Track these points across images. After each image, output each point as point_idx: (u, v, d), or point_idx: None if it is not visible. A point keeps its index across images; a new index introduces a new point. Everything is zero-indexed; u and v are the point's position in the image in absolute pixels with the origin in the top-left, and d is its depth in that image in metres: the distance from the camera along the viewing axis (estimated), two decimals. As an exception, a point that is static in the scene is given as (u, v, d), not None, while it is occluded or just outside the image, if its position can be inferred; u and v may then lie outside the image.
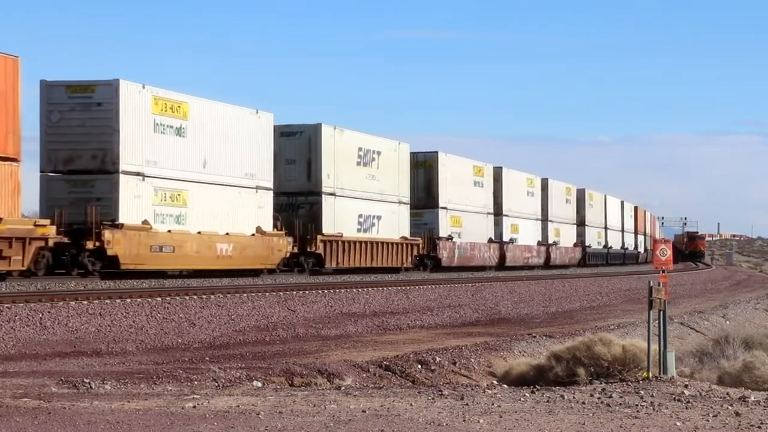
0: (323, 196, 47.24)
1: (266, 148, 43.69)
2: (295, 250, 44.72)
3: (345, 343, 25.43)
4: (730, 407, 14.09)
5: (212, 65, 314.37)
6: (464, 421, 12.73)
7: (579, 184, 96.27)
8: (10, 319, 23.75)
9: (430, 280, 48.25)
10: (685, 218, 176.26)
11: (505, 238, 69.96)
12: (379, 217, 52.38)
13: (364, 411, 13.34)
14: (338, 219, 48.21)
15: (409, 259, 54.94)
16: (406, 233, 55.02)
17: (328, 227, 47.24)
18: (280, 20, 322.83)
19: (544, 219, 79.61)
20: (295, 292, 34.44)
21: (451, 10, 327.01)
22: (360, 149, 50.79)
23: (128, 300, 28.06)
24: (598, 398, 14.86)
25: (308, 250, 45.74)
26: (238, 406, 13.68)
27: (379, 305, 35.23)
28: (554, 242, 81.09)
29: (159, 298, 29.01)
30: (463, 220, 62.94)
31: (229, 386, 16.74)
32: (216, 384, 17.10)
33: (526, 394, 15.30)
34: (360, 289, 38.04)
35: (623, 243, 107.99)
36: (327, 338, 26.51)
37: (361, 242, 50.08)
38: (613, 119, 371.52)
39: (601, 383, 18.01)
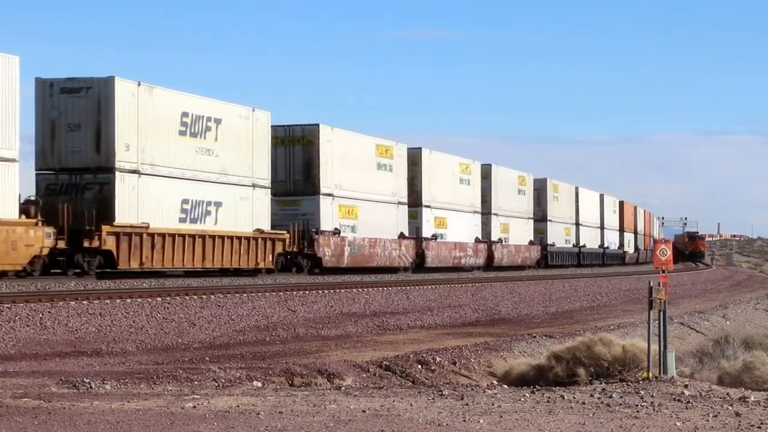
0: (118, 173, 35.98)
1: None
2: (60, 245, 33.62)
3: (345, 343, 25.43)
4: (730, 407, 14.09)
5: (211, 65, 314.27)
6: (464, 421, 12.73)
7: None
8: (10, 319, 23.75)
9: (431, 280, 48.23)
10: (685, 218, 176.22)
11: (426, 234, 58.39)
12: (218, 204, 41.01)
13: (364, 411, 13.34)
14: (146, 205, 37.09)
15: (270, 257, 43.26)
16: (266, 225, 43.42)
17: (128, 215, 36.28)
18: (281, 20, 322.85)
19: (486, 212, 68.31)
20: (295, 292, 34.45)
21: (451, 10, 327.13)
22: (186, 115, 39.28)
23: (128, 300, 28.06)
24: (598, 398, 14.86)
25: (87, 245, 34.67)
26: (238, 406, 13.68)
27: (379, 305, 35.24)
28: (500, 239, 69.81)
29: (159, 298, 29.01)
30: (361, 211, 51.07)
31: (229, 386, 16.74)
32: (216, 384, 17.10)
33: (526, 394, 15.30)
34: (360, 289, 38.05)
35: (603, 241, 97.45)
36: (327, 338, 26.51)
37: (184, 236, 38.64)
38: (612, 119, 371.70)
39: (601, 383, 18.01)
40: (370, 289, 38.87)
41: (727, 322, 39.40)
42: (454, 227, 62.24)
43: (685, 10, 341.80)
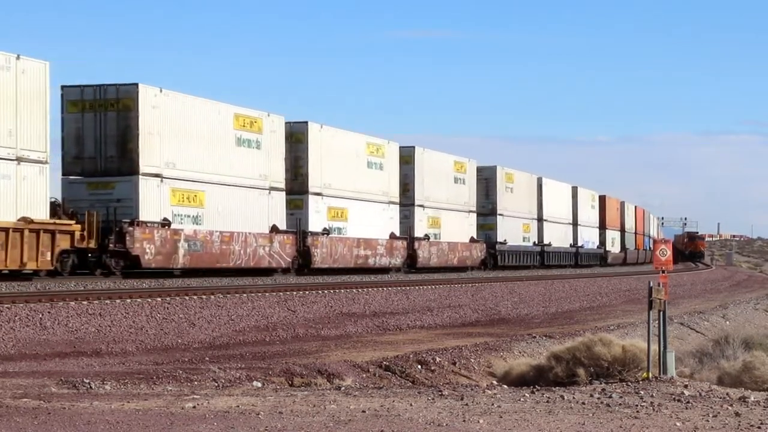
0: None
1: None
2: None
3: (345, 343, 25.43)
4: (729, 407, 14.09)
5: (211, 65, 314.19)
6: (464, 421, 12.74)
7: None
8: (10, 319, 23.75)
9: (431, 280, 48.23)
10: (685, 218, 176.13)
11: (315, 228, 46.85)
12: None
13: (363, 411, 13.35)
14: None
15: (48, 255, 32.48)
16: (42, 212, 32.44)
17: None
18: (280, 20, 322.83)
19: (408, 203, 56.69)
20: (295, 293, 34.44)
21: (451, 10, 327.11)
22: None
23: (128, 300, 28.06)
24: (598, 398, 14.86)
25: None
26: (238, 406, 13.68)
27: (379, 305, 35.24)
28: (426, 236, 58.22)
29: (159, 298, 29.01)
30: (210, 197, 40.49)
31: (229, 386, 16.74)
32: (216, 384, 17.10)
33: (526, 395, 15.30)
34: (360, 289, 38.05)
35: (576, 239, 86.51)
36: (327, 338, 26.51)
37: None
38: (612, 119, 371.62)
39: (601, 383, 18.01)
40: (370, 289, 38.87)
41: (727, 323, 39.41)
42: (358, 220, 50.53)
43: (685, 10, 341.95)
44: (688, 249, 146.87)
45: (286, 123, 45.53)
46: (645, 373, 18.77)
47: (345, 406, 13.83)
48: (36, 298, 26.64)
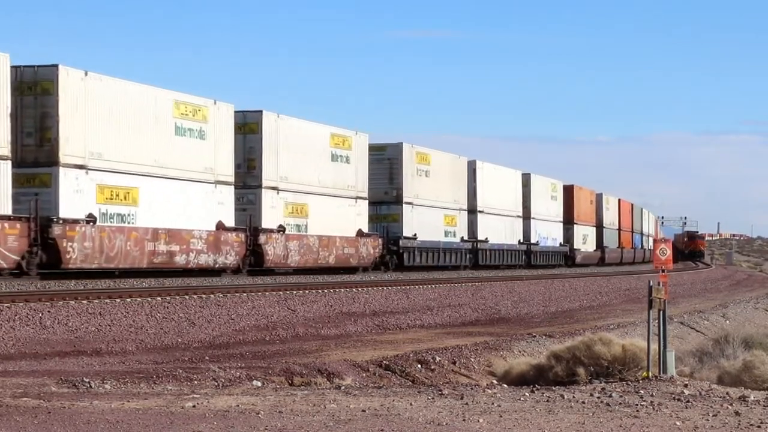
0: None
1: None
2: None
3: (345, 342, 25.43)
4: (729, 407, 14.09)
5: (209, 64, 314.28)
6: (464, 420, 12.74)
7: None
8: (10, 318, 23.75)
9: (431, 279, 48.25)
10: (685, 218, 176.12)
11: (68, 214, 33.96)
12: None
13: (363, 410, 13.35)
14: None
15: None
16: None
17: None
18: (280, 20, 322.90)
19: (254, 185, 43.37)
20: (295, 292, 34.45)
21: (451, 10, 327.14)
22: None
23: (128, 300, 28.07)
24: (598, 398, 14.86)
25: None
26: (238, 405, 13.68)
27: (379, 305, 35.24)
28: (281, 227, 44.32)
29: (159, 298, 29.01)
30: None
31: (229, 386, 16.75)
32: (216, 383, 17.10)
33: (526, 394, 15.30)
34: (360, 289, 38.05)
35: (529, 235, 74.43)
36: (327, 338, 26.51)
37: None
38: (612, 119, 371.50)
39: (600, 383, 18.01)
40: (369, 288, 38.88)
41: (727, 322, 39.41)
42: (161, 205, 37.93)
43: (685, 10, 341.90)
44: (688, 248, 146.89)
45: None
46: (645, 373, 18.77)
47: (345, 405, 13.83)
48: (36, 297, 26.64)
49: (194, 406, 13.55)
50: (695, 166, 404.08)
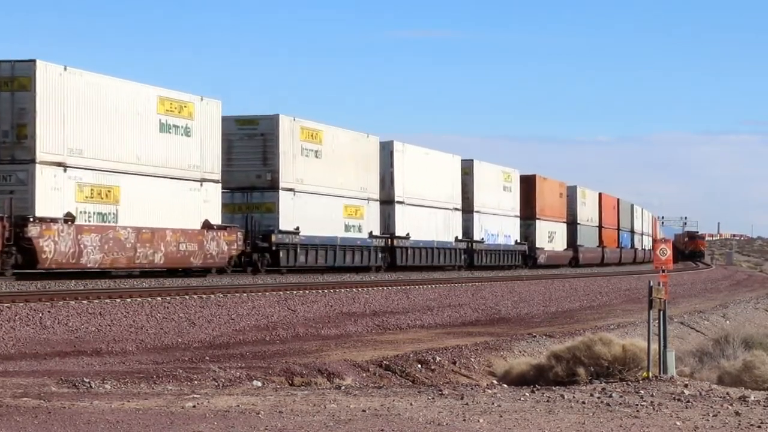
0: None
1: None
2: None
3: (345, 342, 25.44)
4: (730, 407, 14.09)
5: (211, 64, 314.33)
6: (464, 420, 12.74)
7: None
8: (10, 318, 23.76)
9: (431, 279, 48.26)
10: (685, 218, 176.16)
11: None
12: None
13: (364, 410, 13.35)
14: None
15: None
16: None
17: None
18: (280, 20, 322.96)
19: (22, 161, 33.09)
20: (295, 292, 34.45)
21: (452, 10, 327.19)
22: None
23: (128, 300, 28.07)
24: (598, 398, 14.86)
25: None
26: (238, 405, 13.68)
27: (379, 305, 35.25)
28: (69, 216, 33.78)
29: (159, 298, 29.01)
30: None
31: (229, 386, 16.75)
32: (216, 383, 17.10)
33: (526, 394, 15.30)
34: (360, 289, 38.06)
35: (470, 232, 63.91)
36: (327, 338, 26.52)
37: None
38: (612, 119, 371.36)
39: (601, 383, 18.02)
40: (370, 288, 38.89)
41: (727, 322, 39.42)
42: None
43: (685, 10, 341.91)
44: (688, 248, 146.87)
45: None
46: (645, 373, 18.78)
47: (345, 405, 13.83)
48: (36, 297, 26.65)
49: (194, 406, 13.55)
50: (695, 166, 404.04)
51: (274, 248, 44.34)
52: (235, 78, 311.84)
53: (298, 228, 45.82)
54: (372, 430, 11.95)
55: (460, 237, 62.36)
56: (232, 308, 29.50)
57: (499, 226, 68.81)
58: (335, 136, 49.77)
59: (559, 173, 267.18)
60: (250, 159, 45.24)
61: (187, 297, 29.98)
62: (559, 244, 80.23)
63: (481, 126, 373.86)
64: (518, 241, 71.97)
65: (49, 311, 25.02)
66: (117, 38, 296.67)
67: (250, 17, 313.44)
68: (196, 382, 17.16)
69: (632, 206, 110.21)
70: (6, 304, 24.95)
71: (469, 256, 63.84)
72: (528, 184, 73.74)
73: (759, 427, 12.55)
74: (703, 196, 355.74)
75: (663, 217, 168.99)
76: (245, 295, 32.03)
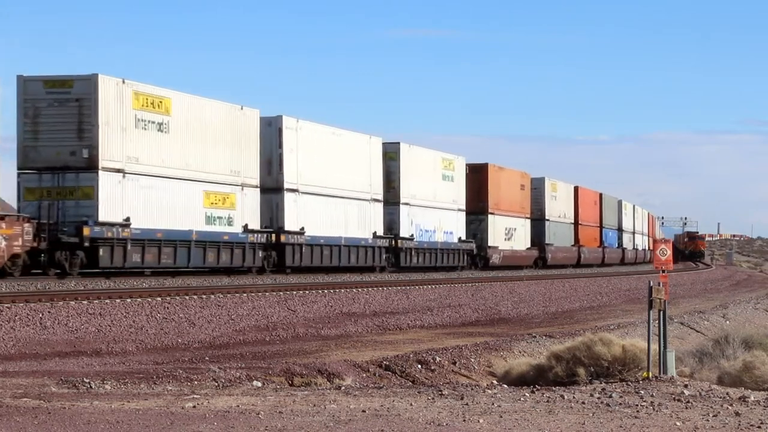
0: None
1: None
2: None
3: (345, 343, 25.45)
4: (730, 407, 14.09)
5: (207, 63, 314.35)
6: (464, 420, 12.74)
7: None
8: (10, 319, 23.76)
9: (431, 279, 48.26)
10: (685, 218, 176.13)
11: None
12: None
13: (364, 411, 13.34)
14: None
15: None
16: None
17: None
18: (279, 19, 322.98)
19: None
20: (295, 292, 34.46)
21: (452, 10, 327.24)
22: None
23: (128, 300, 28.08)
24: (598, 398, 14.85)
25: None
26: (238, 405, 13.68)
27: (379, 305, 35.26)
28: None
29: (159, 298, 29.02)
30: None
31: (229, 386, 16.75)
32: (216, 384, 17.10)
33: (526, 394, 15.30)
34: (360, 289, 38.06)
35: (394, 227, 54.64)
36: (327, 338, 26.53)
37: None
38: (612, 119, 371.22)
39: (601, 383, 18.01)
40: (370, 288, 38.89)
41: (727, 322, 39.39)
42: None
43: (684, 9, 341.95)
44: (688, 249, 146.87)
45: None
46: (645, 373, 18.78)
47: (345, 405, 13.83)
48: (36, 297, 26.66)
49: (194, 407, 13.55)
50: (695, 165, 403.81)
51: (88, 245, 35.41)
52: (233, 77, 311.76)
53: (128, 219, 36.88)
54: (372, 431, 11.95)
55: (380, 233, 52.70)
56: (232, 308, 29.50)
57: (436, 221, 59.03)
58: (191, 107, 40.22)
59: (559, 173, 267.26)
60: (62, 131, 36.18)
61: (187, 297, 29.99)
62: (521, 242, 70.67)
63: (481, 126, 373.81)
64: (462, 238, 62.21)
65: (49, 311, 25.02)
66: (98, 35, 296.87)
67: (250, 17, 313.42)
68: (196, 382, 17.16)
69: (620, 202, 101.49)
70: (6, 305, 24.96)
71: (394, 256, 54.36)
72: (479, 174, 64.66)
73: (759, 427, 12.55)
74: (703, 196, 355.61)
75: (663, 217, 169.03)
76: (245, 295, 32.04)
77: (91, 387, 15.75)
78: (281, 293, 33.80)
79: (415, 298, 38.80)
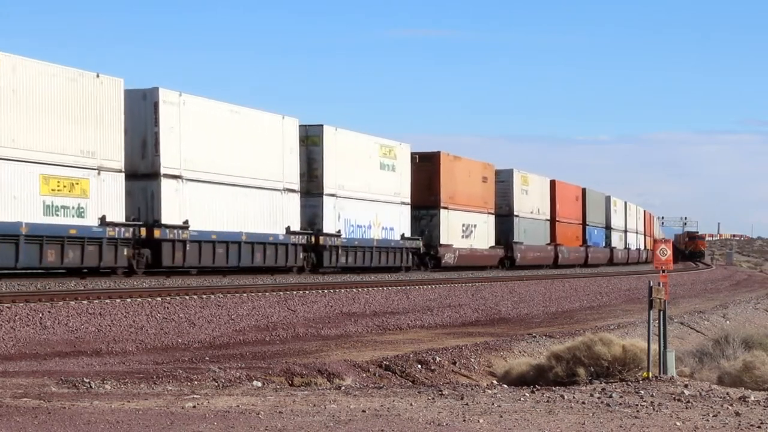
0: None
1: None
2: None
3: (345, 343, 25.45)
4: (730, 407, 14.09)
5: (210, 63, 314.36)
6: (464, 421, 12.74)
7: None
8: (10, 319, 23.76)
9: (431, 279, 48.26)
10: (685, 218, 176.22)
11: None
12: None
13: (364, 411, 13.35)
14: None
15: None
16: None
17: None
18: (280, 19, 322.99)
19: None
20: (295, 292, 34.46)
21: (452, 9, 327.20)
22: None
23: (128, 300, 28.08)
24: (598, 398, 14.86)
25: None
26: (238, 405, 13.68)
27: (379, 305, 35.26)
28: None
29: (159, 298, 29.02)
30: None
31: (229, 386, 16.75)
32: (216, 384, 17.10)
33: (526, 394, 15.30)
34: (360, 289, 38.06)
35: (317, 222, 46.85)
36: (327, 338, 26.53)
37: None
38: (612, 118, 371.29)
39: (601, 383, 18.01)
40: (370, 288, 38.89)
41: (727, 322, 39.39)
42: None
43: (684, 9, 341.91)
44: (689, 248, 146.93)
45: None
46: (645, 373, 18.78)
47: (345, 405, 13.83)
48: (36, 297, 26.65)
49: (194, 407, 13.55)
50: (695, 165, 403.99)
51: None
52: (232, 77, 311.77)
53: None
54: (372, 431, 11.95)
55: (296, 228, 45.06)
56: (232, 308, 29.50)
57: (372, 216, 51.51)
58: (22, 72, 32.50)
59: (560, 173, 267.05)
60: None
61: (187, 297, 29.99)
62: (482, 240, 63.62)
63: (481, 126, 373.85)
64: (407, 235, 54.71)
65: (49, 311, 25.02)
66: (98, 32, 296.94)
67: (250, 17, 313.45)
68: (196, 382, 17.17)
69: (608, 198, 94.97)
70: (6, 304, 24.96)
71: (315, 255, 46.78)
72: (430, 164, 57.64)
73: (759, 427, 12.55)
74: (703, 196, 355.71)
75: (663, 217, 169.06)
76: (245, 295, 32.04)
77: (91, 387, 15.75)
78: (281, 293, 33.81)
79: (415, 298, 38.80)
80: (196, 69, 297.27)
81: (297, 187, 45.49)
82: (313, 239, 46.17)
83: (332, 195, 48.19)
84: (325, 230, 47.28)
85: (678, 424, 12.68)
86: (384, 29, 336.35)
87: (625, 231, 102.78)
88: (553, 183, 77.52)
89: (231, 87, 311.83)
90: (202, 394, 14.93)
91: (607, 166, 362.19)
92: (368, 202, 51.18)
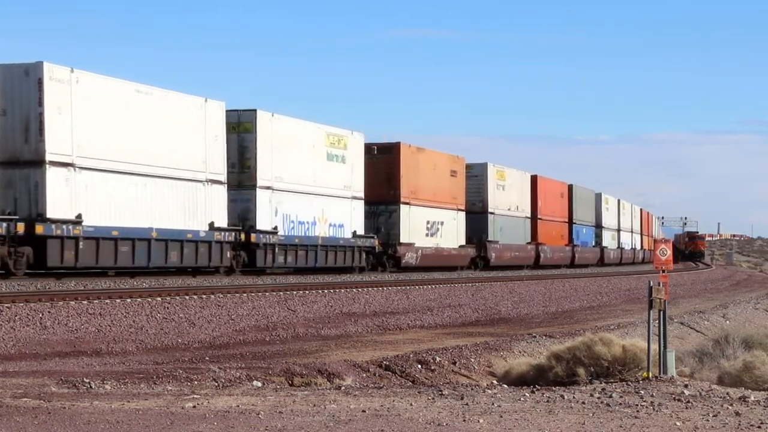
0: None
1: None
2: None
3: (345, 343, 25.45)
4: (730, 407, 14.09)
5: (205, 62, 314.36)
6: (464, 421, 12.74)
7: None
8: (10, 319, 23.76)
9: (431, 279, 48.26)
10: (685, 218, 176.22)
11: None
12: None
13: (364, 411, 13.35)
14: None
15: None
16: None
17: None
18: (280, 19, 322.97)
19: None
20: (295, 292, 34.46)
21: (452, 9, 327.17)
22: None
23: (128, 300, 28.08)
24: (598, 398, 14.86)
25: None
26: (238, 406, 13.68)
27: (379, 305, 35.25)
28: None
29: (159, 298, 29.02)
30: None
31: (229, 386, 16.75)
32: (216, 384, 17.10)
33: (526, 394, 15.30)
34: (360, 289, 38.06)
35: (249, 217, 42.13)
36: (327, 338, 26.53)
37: None
38: (612, 118, 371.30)
39: (601, 383, 18.01)
40: (370, 288, 38.89)
41: (727, 322, 39.39)
42: None
43: (684, 9, 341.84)
44: (689, 248, 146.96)
45: None
46: (645, 373, 18.78)
47: (345, 405, 13.83)
48: (36, 297, 26.65)
49: (194, 407, 13.55)
50: (695, 165, 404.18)
51: None
52: (231, 76, 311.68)
53: None
54: (372, 431, 11.95)
55: (223, 224, 40.28)
56: (232, 308, 29.50)
57: (317, 212, 46.47)
58: None
59: (559, 173, 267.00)
60: None
61: (187, 297, 29.99)
62: (451, 238, 58.95)
63: (481, 126, 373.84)
64: (359, 233, 49.65)
65: (49, 311, 25.02)
66: (101, 35, 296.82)
67: (250, 17, 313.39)
68: (196, 382, 17.16)
69: (598, 195, 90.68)
70: (6, 305, 24.96)
71: (247, 254, 42.01)
72: (389, 156, 52.96)
73: (759, 427, 12.54)
74: (703, 196, 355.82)
75: (663, 217, 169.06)
76: (245, 295, 32.04)
77: (91, 387, 15.75)
78: (281, 293, 33.81)
79: (415, 298, 38.80)
80: (196, 69, 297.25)
81: (223, 178, 40.36)
82: (242, 236, 41.24)
83: (267, 188, 42.99)
84: (259, 227, 42.29)
85: (678, 424, 12.68)
86: (384, 29, 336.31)
87: (618, 230, 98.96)
88: (534, 178, 72.97)
89: (231, 87, 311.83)
90: (202, 394, 14.93)
91: (607, 166, 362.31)
92: (312, 196, 46.04)
